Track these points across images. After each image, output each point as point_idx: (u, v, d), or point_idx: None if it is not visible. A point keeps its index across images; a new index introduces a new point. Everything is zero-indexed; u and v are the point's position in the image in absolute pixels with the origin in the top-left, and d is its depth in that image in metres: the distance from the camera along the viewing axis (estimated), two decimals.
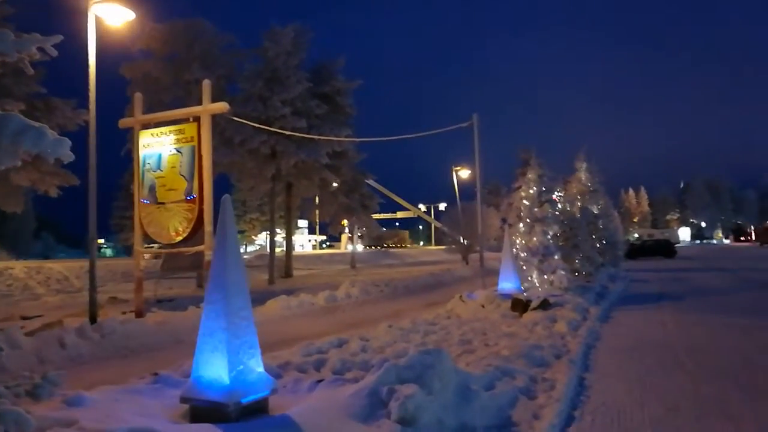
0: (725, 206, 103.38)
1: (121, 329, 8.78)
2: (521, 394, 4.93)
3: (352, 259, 34.44)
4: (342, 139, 24.41)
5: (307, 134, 22.44)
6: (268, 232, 28.05)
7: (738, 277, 19.34)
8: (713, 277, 19.91)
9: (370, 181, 37.73)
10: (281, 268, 26.08)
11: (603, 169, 25.25)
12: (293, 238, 32.46)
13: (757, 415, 4.47)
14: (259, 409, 3.98)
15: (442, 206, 68.90)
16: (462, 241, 35.13)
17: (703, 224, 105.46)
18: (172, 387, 4.41)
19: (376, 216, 45.39)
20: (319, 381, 4.70)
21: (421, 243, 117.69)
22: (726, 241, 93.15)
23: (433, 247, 73.12)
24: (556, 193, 17.77)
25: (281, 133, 20.85)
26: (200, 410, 3.86)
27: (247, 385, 3.88)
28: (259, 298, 13.48)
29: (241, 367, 3.89)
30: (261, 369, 4.06)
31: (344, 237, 53.15)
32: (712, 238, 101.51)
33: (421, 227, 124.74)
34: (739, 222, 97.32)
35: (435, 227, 76.34)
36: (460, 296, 11.39)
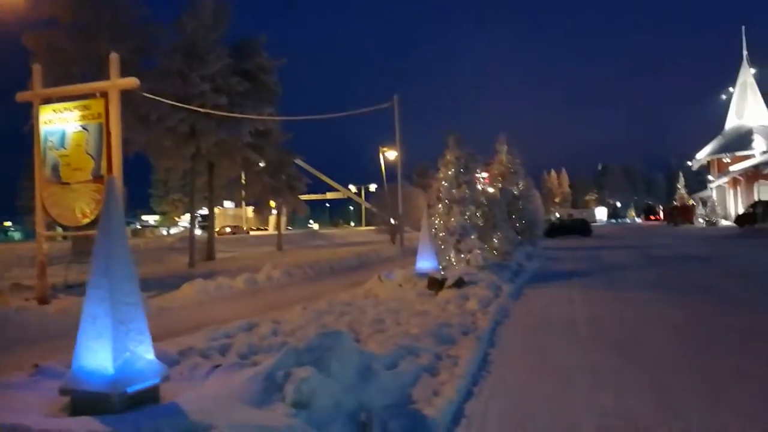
0: (638, 187, 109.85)
1: (17, 318, 8.23)
2: (424, 371, 5.00)
3: (279, 241, 33.94)
4: (265, 117, 23.85)
5: (229, 112, 21.74)
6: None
7: (645, 254, 20.56)
8: (623, 254, 21.07)
9: (299, 162, 37.20)
10: (204, 251, 25.35)
11: (527, 152, 26.08)
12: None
13: (642, 386, 4.73)
14: (148, 398, 3.81)
15: (372, 187, 69.15)
16: (390, 221, 35.40)
17: (618, 204, 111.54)
18: (53, 378, 4.15)
19: (304, 197, 44.94)
20: (216, 366, 4.57)
21: (352, 224, 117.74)
22: (638, 220, 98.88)
23: (364, 228, 73.35)
24: (477, 174, 18.18)
25: (200, 110, 20.09)
26: (82, 402, 3.65)
27: (134, 374, 3.69)
28: (175, 283, 13.04)
29: (128, 354, 3.70)
30: (151, 356, 3.88)
31: (272, 218, 52.33)
32: (626, 217, 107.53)
33: (352, 208, 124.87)
34: (649, 202, 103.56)
35: (365, 208, 76.62)
36: (379, 276, 11.46)
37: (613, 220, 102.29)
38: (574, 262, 18.38)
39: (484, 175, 24.87)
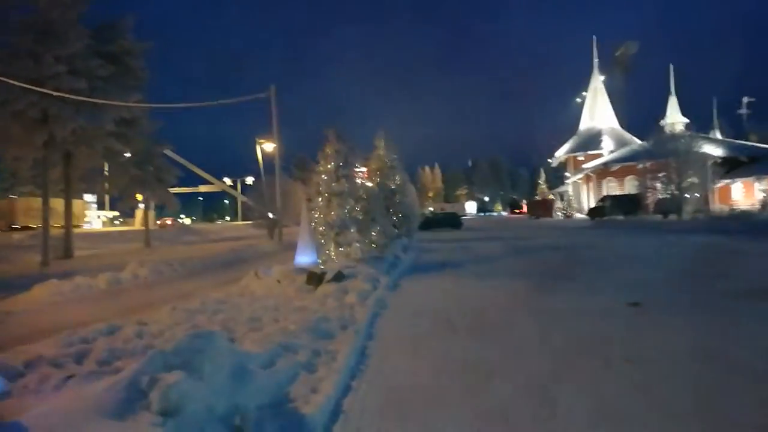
0: (504, 183, 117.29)
1: None
2: (302, 368, 4.90)
3: (147, 237, 31.84)
4: (130, 104, 22.21)
5: (89, 97, 19.96)
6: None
7: (511, 245, 21.93)
8: (491, 245, 22.32)
9: (169, 152, 35.11)
10: (60, 248, 23.12)
11: (404, 148, 26.67)
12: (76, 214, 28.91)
13: (510, 370, 4.99)
14: None
15: (249, 180, 67.19)
16: (269, 215, 34.60)
17: (486, 198, 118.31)
18: None
19: (175, 190, 42.54)
20: (70, 376, 4.13)
21: (227, 218, 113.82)
22: (504, 214, 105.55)
23: (240, 223, 71.14)
24: (357, 168, 18.29)
25: (54, 94, 18.24)
26: None
27: None
28: (25, 284, 11.76)
29: None
30: None
31: (138, 213, 49.02)
32: (493, 210, 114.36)
33: (227, 202, 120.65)
34: (514, 196, 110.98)
35: (241, 202, 74.30)
36: (256, 272, 11.13)
37: (482, 214, 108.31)
38: (447, 253, 19.15)
39: (363, 169, 25.15)
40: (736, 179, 46.95)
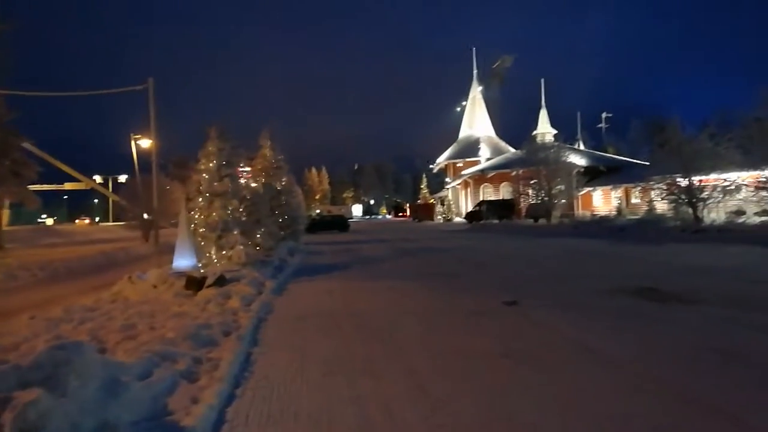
0: (388, 186, 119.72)
1: None
2: (182, 378, 4.63)
3: (0, 238, 28.60)
4: None
5: None
6: None
7: (395, 247, 22.39)
8: (377, 247, 22.66)
9: (28, 146, 31.81)
10: None
11: (291, 149, 26.28)
12: None
13: (397, 373, 5.05)
14: None
15: (122, 178, 62.63)
16: (144, 216, 32.46)
17: (372, 201, 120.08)
18: None
19: (35, 187, 38.65)
20: None
21: (97, 219, 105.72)
22: (388, 217, 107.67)
23: (112, 224, 66.22)
24: (241, 168, 17.72)
25: None
26: None
27: None
28: None
29: None
30: None
31: None
32: (378, 213, 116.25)
33: (97, 201, 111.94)
34: (398, 200, 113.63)
35: (113, 201, 69.19)
36: (130, 277, 10.39)
37: (368, 217, 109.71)
38: (333, 255, 19.14)
39: (248, 169, 24.44)
40: (596, 187, 51.53)
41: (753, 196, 21.65)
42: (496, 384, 4.53)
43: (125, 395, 3.97)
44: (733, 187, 23.86)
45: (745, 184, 23.12)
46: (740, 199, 24.59)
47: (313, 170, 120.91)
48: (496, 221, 44.54)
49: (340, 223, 42.75)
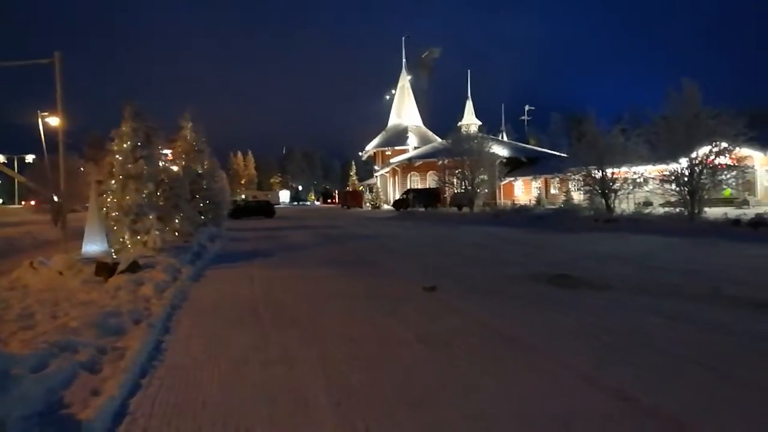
0: (317, 173, 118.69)
1: None
2: (83, 369, 4.37)
3: None
4: None
5: None
6: None
7: (322, 234, 22.25)
8: (303, 234, 22.43)
9: None
10: None
11: (215, 132, 25.50)
12: None
13: (313, 360, 5.00)
14: None
15: (30, 158, 58.58)
16: (53, 199, 30.47)
17: (300, 187, 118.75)
18: None
19: None
20: None
21: (1, 201, 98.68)
22: (317, 203, 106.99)
23: (17, 206, 61.89)
24: (161, 150, 16.97)
25: None
26: None
27: None
28: None
29: None
30: None
31: None
32: (306, 200, 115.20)
33: (0, 182, 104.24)
34: (327, 186, 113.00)
35: (19, 182, 64.57)
36: (32, 263, 9.71)
37: (295, 203, 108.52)
38: (257, 242, 18.77)
39: (168, 151, 23.46)
40: (518, 178, 53.38)
41: (659, 188, 23.08)
42: (410, 369, 4.58)
43: (16, 389, 3.71)
44: (641, 180, 25.36)
45: (652, 177, 24.62)
46: (648, 191, 26.18)
47: (239, 154, 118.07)
48: (422, 209, 45.21)
49: (266, 209, 42.00)
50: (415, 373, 4.45)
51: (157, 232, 11.64)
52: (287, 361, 4.86)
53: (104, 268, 9.05)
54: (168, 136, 22.33)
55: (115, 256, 10.23)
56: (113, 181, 11.86)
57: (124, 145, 11.98)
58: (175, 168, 20.72)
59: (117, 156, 11.95)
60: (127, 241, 11.47)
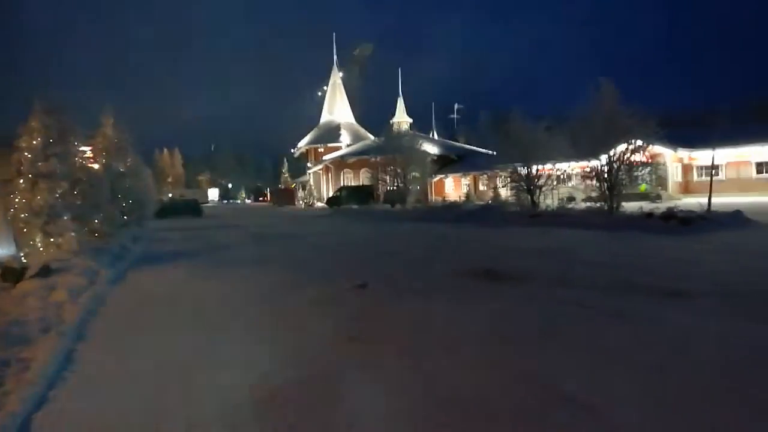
0: (248, 170, 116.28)
1: None
2: None
3: None
4: None
5: None
6: None
7: (252, 233, 21.80)
8: (232, 233, 21.89)
9: None
10: None
11: (139, 128, 24.42)
12: None
13: (236, 361, 4.85)
14: None
15: None
16: None
17: (230, 185, 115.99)
18: None
19: None
20: None
21: None
22: (248, 201, 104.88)
23: None
24: (79, 147, 16.04)
25: None
26: None
27: None
28: None
29: None
30: None
31: None
32: (236, 198, 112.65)
33: None
34: (259, 184, 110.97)
35: None
36: None
37: (225, 201, 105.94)
38: (184, 242, 18.16)
39: (88, 149, 22.27)
40: (448, 175, 54.37)
41: (581, 184, 24.10)
42: (342, 367, 4.52)
43: None
44: (564, 176, 26.42)
45: (575, 174, 25.70)
46: (571, 187, 27.31)
47: (165, 151, 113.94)
48: (355, 206, 45.20)
49: (193, 207, 40.76)
50: (347, 372, 4.40)
51: (73, 234, 10.99)
52: (210, 366, 4.69)
53: (11, 273, 8.45)
54: (87, 133, 21.22)
55: (24, 261, 9.57)
56: (21, 181, 11.08)
57: (34, 143, 11.22)
58: (95, 166, 19.69)
59: (26, 153, 11.18)
60: (39, 244, 10.77)
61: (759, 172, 34.62)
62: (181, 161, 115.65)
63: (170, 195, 78.02)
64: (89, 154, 21.92)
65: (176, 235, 21.75)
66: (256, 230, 23.42)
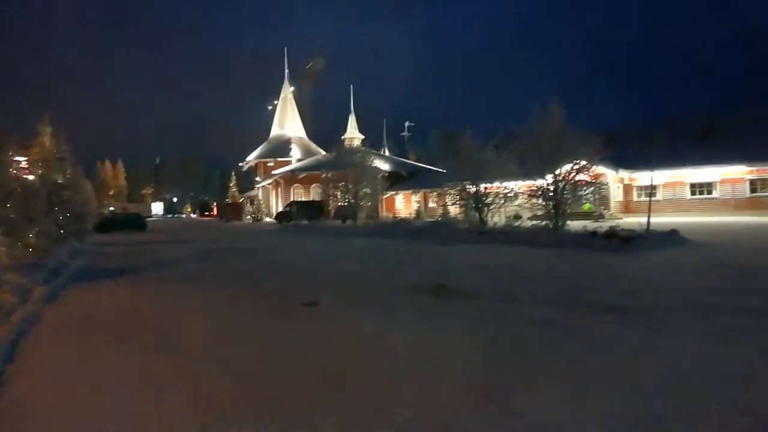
0: (195, 184, 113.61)
1: None
2: None
3: None
4: None
5: None
6: None
7: (197, 248, 21.23)
8: (177, 249, 21.25)
9: None
10: None
11: (81, 139, 23.63)
12: None
13: (176, 383, 4.66)
14: None
15: None
16: None
17: (175, 199, 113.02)
18: None
19: None
20: None
21: None
22: (193, 216, 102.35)
23: None
24: (14, 157, 15.29)
25: None
26: None
27: None
28: None
29: None
30: None
31: None
32: (182, 212, 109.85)
33: None
34: (205, 198, 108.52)
35: None
36: None
37: (170, 215, 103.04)
38: (125, 258, 17.50)
39: (23, 159, 21.27)
40: (399, 191, 54.75)
41: (527, 202, 24.70)
42: (289, 388, 4.41)
43: None
44: (512, 195, 27.01)
45: (521, 192, 26.32)
46: (518, 205, 27.92)
47: (107, 163, 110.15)
48: (305, 222, 44.80)
49: (136, 222, 39.47)
50: (294, 392, 4.29)
51: (3, 249, 10.40)
52: (151, 390, 4.48)
53: None
54: (22, 142, 20.28)
55: None
56: None
57: None
58: (31, 177, 18.81)
59: None
60: None
61: (693, 193, 36.42)
62: (124, 174, 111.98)
63: (112, 208, 75.29)
64: (24, 164, 20.95)
65: (118, 250, 20.97)
66: (202, 246, 22.83)
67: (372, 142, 57.40)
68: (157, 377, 4.76)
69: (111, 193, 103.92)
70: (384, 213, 51.41)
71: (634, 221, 21.07)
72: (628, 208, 37.96)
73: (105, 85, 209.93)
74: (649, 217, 18.95)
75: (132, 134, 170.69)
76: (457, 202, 28.62)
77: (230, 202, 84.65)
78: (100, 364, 5.22)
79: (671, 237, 17.04)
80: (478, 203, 26.51)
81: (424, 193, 52.00)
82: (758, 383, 4.28)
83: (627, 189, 39.15)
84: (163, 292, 9.95)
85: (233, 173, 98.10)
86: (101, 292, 10.04)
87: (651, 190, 25.30)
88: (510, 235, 20.76)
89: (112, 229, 36.41)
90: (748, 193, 34.30)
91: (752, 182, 34.21)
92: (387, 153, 72.69)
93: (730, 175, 34.72)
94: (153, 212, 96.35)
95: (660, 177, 34.73)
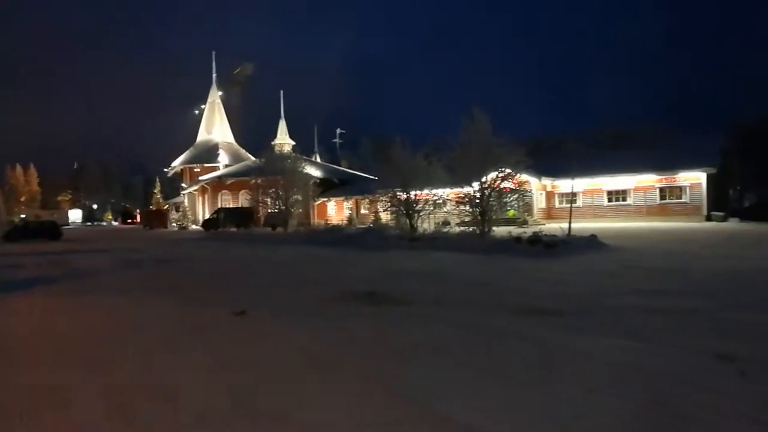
0: (116, 190, 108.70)
1: None
2: None
3: None
4: None
5: None
6: None
7: (119, 258, 20.29)
8: (96, 258, 20.23)
9: None
10: None
11: None
12: None
13: (91, 397, 4.45)
14: None
15: None
16: None
17: (95, 206, 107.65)
18: None
19: None
20: None
21: None
22: (115, 223, 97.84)
23: None
24: None
25: None
26: None
27: None
28: None
29: None
30: None
31: None
32: (102, 220, 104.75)
33: None
34: (127, 205, 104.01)
35: None
36: None
37: (90, 223, 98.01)
38: (38, 268, 16.47)
39: None
40: (331, 198, 54.58)
41: (455, 209, 25.29)
42: (213, 400, 4.29)
43: None
44: (441, 201, 27.57)
45: (450, 199, 26.92)
46: (446, 212, 28.53)
47: (18, 168, 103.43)
48: (234, 229, 43.79)
49: (50, 230, 37.26)
50: (219, 404, 4.19)
51: None
52: (63, 406, 4.24)
53: None
54: None
55: None
56: None
57: None
58: None
59: None
60: None
61: (610, 200, 38.54)
62: (37, 179, 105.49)
63: (23, 216, 70.72)
64: None
65: (31, 260, 19.70)
66: (123, 255, 21.83)
67: (303, 149, 56.99)
68: (69, 390, 4.51)
69: (22, 199, 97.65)
70: (316, 220, 51.08)
71: (556, 227, 22.01)
72: (550, 214, 39.62)
73: (14, 86, 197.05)
74: (570, 223, 19.86)
75: (48, 138, 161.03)
76: (389, 209, 28.87)
77: (154, 209, 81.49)
78: (8, 383, 4.88)
79: (590, 242, 17.93)
80: (408, 210, 26.85)
81: (356, 200, 52.15)
82: (669, 375, 4.59)
83: (549, 196, 40.86)
84: (80, 304, 9.42)
85: (158, 179, 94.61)
86: (10, 305, 9.40)
87: (572, 197, 26.51)
88: (440, 241, 21.14)
89: (24, 238, 34.26)
90: (658, 200, 36.72)
91: (661, 190, 36.67)
92: (319, 159, 72.31)
93: (643, 183, 37.04)
94: (70, 220, 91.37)
95: (580, 184, 36.54)
